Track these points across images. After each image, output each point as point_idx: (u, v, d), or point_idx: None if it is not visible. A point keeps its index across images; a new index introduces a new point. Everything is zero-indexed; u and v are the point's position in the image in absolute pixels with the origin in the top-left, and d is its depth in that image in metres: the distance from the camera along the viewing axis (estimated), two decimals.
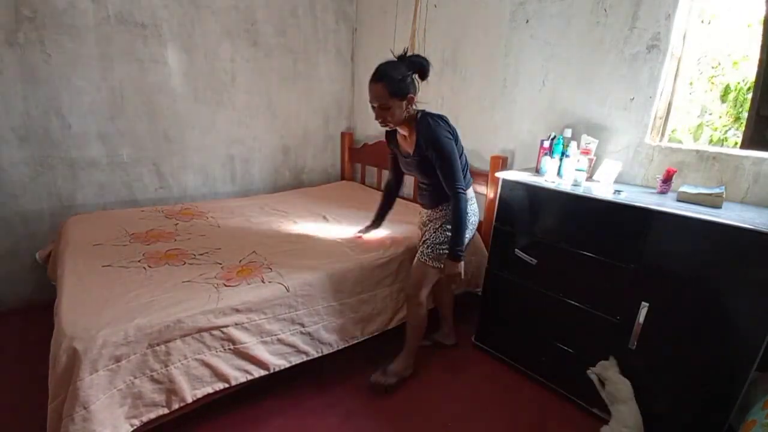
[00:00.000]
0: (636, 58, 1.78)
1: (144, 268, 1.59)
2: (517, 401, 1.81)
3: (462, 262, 1.64)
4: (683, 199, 1.50)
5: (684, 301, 1.42)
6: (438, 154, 1.55)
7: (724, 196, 1.45)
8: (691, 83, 2.21)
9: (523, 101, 2.24)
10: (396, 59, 1.57)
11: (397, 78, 1.51)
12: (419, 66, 1.57)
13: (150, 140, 2.47)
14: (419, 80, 1.60)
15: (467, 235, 1.68)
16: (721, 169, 1.62)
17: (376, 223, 2.06)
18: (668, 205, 1.44)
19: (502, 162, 2.17)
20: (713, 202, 1.44)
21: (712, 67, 2.24)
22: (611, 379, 1.49)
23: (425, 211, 1.80)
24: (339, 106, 3.31)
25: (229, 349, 1.42)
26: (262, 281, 1.56)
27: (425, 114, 1.62)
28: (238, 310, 1.43)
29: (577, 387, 1.76)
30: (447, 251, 1.64)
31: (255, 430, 1.57)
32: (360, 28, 3.20)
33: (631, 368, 1.53)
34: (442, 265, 1.67)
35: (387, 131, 1.77)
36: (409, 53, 1.58)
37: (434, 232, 1.71)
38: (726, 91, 2.24)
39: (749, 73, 1.98)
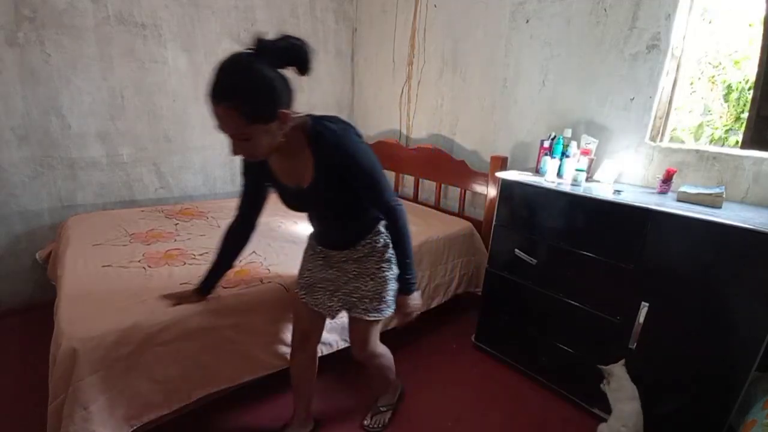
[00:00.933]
0: (636, 58, 1.78)
1: (144, 268, 1.59)
2: (517, 401, 1.81)
3: (418, 292, 1.32)
4: (683, 199, 1.50)
5: (684, 301, 1.42)
6: (359, 167, 1.12)
7: (724, 196, 1.45)
8: (692, 83, 2.20)
9: (523, 101, 2.24)
10: (251, 52, 0.94)
11: (258, 93, 0.93)
12: (293, 56, 0.98)
13: (150, 140, 2.47)
14: (298, 73, 1.01)
15: (393, 274, 1.31)
16: (721, 169, 1.62)
17: (205, 288, 1.39)
18: (668, 205, 1.44)
19: (502, 162, 2.17)
20: (713, 202, 1.44)
21: (714, 67, 2.23)
22: (618, 375, 1.49)
23: (338, 251, 1.31)
24: (339, 106, 3.30)
25: (229, 349, 1.42)
26: (261, 282, 1.56)
27: (317, 121, 1.10)
28: (237, 311, 1.43)
29: (577, 387, 1.76)
30: (392, 291, 1.32)
31: (255, 430, 1.58)
32: (360, 28, 3.20)
33: (631, 368, 1.52)
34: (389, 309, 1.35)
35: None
36: (276, 36, 0.96)
37: (371, 280, 1.29)
38: (728, 90, 2.23)
39: (750, 72, 1.98)
